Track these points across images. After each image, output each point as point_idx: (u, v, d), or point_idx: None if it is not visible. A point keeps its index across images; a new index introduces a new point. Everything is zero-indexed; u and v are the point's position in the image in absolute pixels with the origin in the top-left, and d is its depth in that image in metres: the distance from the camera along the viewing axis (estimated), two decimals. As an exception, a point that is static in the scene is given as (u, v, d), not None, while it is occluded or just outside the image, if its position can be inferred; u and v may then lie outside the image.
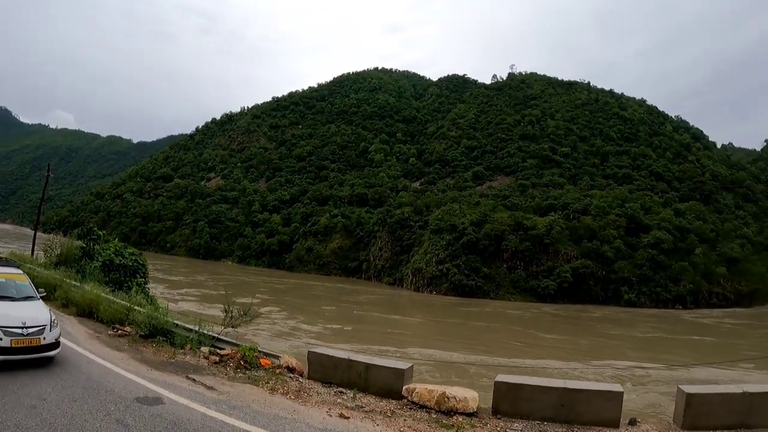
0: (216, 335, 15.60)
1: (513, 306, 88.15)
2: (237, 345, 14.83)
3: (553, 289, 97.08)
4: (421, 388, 11.54)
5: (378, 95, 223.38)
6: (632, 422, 11.01)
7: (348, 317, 64.35)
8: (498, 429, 10.40)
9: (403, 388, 11.81)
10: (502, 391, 11.06)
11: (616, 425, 10.62)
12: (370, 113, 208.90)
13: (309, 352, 13.43)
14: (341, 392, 12.13)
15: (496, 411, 11.05)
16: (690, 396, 10.77)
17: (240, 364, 13.67)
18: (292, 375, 13.34)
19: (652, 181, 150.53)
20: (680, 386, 11.36)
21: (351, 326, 57.18)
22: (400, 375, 12.08)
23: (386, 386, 12.07)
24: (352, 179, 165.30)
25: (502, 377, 11.39)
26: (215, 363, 13.84)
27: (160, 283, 69.14)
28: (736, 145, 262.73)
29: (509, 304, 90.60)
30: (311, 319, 58.46)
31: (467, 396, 11.17)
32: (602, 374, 36.29)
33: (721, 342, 61.52)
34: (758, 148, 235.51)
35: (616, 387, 11.27)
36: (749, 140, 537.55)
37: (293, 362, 14.01)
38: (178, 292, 66.48)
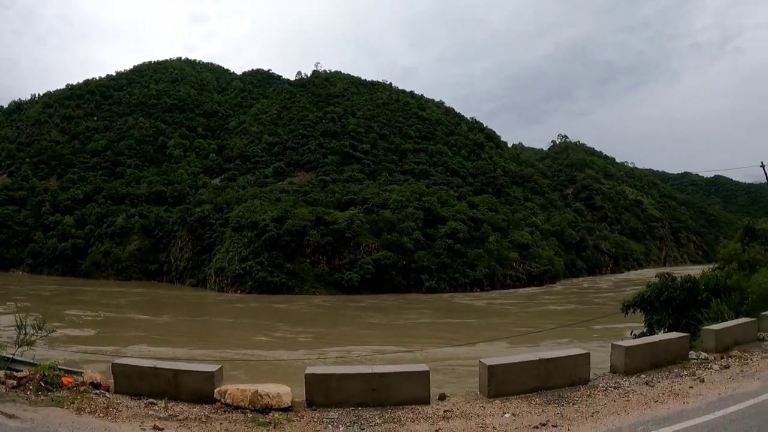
0: (10, 356, 13.80)
1: (284, 300, 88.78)
2: (35, 365, 13.31)
3: (356, 281, 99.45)
4: (233, 389, 11.18)
5: (179, 87, 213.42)
6: (442, 397, 11.46)
7: (93, 321, 62.11)
8: (314, 420, 10.41)
9: (215, 391, 11.38)
10: (313, 382, 11.10)
11: (427, 402, 11.09)
12: (170, 106, 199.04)
13: (113, 364, 12.44)
14: (152, 403, 11.35)
15: (311, 403, 11.06)
16: (492, 367, 11.61)
17: (41, 385, 12.29)
18: (98, 391, 12.22)
19: (447, 176, 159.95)
20: (481, 360, 12.09)
21: (93, 330, 55.59)
22: (210, 378, 11.59)
23: (197, 391, 11.49)
24: (150, 176, 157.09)
25: (311, 369, 11.39)
26: (13, 387, 12.30)
27: None
28: (526, 144, 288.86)
29: (282, 298, 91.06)
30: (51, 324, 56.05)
31: (280, 391, 11.01)
32: (326, 359, 38.37)
33: (482, 323, 65.59)
34: (545, 148, 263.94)
35: (422, 367, 11.69)
36: (538, 141, 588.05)
37: (97, 377, 12.79)
38: None
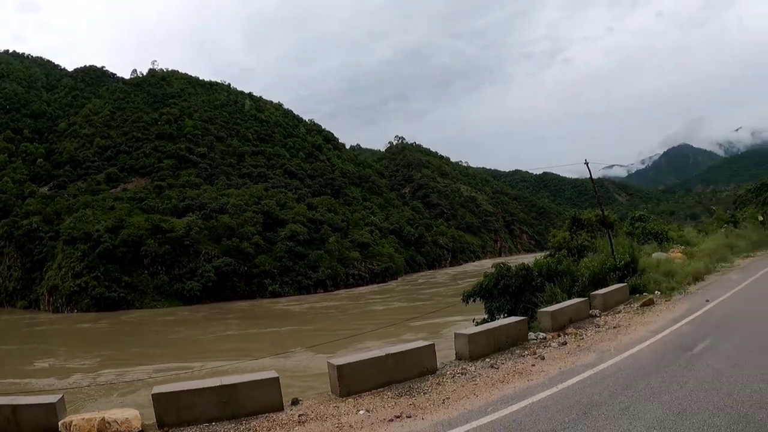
0: None
1: (93, 318, 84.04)
2: None
3: (198, 290, 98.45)
4: (78, 420, 10.16)
5: (5, 84, 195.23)
6: (295, 402, 11.55)
7: None
8: (168, 442, 10.07)
9: (59, 423, 10.26)
10: (162, 402, 10.47)
11: (281, 408, 11.05)
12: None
13: None
14: (-9, 448, 10.01)
15: (162, 424, 10.45)
16: (340, 367, 11.84)
17: None
18: (-68, 439, 10.61)
19: (286, 178, 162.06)
20: (329, 360, 12.46)
21: None
22: (52, 410, 10.39)
23: (40, 426, 10.27)
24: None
25: (158, 388, 10.81)
26: None
27: None
28: (363, 146, 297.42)
29: (114, 315, 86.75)
30: None
31: (128, 416, 10.42)
32: (96, 384, 37.44)
33: (294, 331, 63.26)
34: (383, 149, 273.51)
35: (272, 374, 11.52)
36: (376, 142, 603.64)
37: (-70, 423, 10.81)
38: None
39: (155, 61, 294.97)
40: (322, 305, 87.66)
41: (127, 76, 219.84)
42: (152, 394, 10.56)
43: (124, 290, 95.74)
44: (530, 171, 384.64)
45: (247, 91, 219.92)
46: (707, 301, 20.31)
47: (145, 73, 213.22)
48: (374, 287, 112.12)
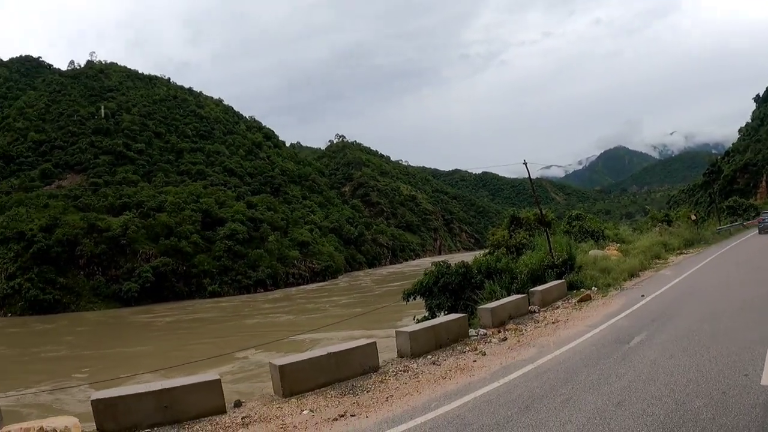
0: None
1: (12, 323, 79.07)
2: None
3: (135, 291, 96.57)
4: (15, 429, 9.60)
5: None
6: (237, 404, 11.45)
7: None
8: (105, 451, 9.40)
9: None
10: (101, 409, 10.03)
11: (223, 411, 10.93)
12: None
13: None
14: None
15: (102, 431, 10.11)
16: (282, 367, 11.79)
17: None
18: None
19: (225, 176, 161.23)
20: (271, 361, 12.43)
21: None
22: None
23: None
24: None
25: (97, 395, 10.39)
26: None
27: None
28: (303, 144, 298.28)
29: (49, 318, 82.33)
30: None
31: (68, 424, 9.86)
32: None
33: (137, 352, 51.20)
34: (323, 147, 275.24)
35: (213, 376, 11.48)
36: (316, 141, 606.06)
37: None
38: None
39: (93, 52, 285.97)
40: (194, 317, 78.28)
41: (64, 67, 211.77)
42: (91, 401, 10.19)
43: (59, 292, 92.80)
44: (470, 171, 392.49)
45: (187, 86, 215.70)
46: (642, 296, 20.95)
47: (83, 65, 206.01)
48: (315, 285, 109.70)
